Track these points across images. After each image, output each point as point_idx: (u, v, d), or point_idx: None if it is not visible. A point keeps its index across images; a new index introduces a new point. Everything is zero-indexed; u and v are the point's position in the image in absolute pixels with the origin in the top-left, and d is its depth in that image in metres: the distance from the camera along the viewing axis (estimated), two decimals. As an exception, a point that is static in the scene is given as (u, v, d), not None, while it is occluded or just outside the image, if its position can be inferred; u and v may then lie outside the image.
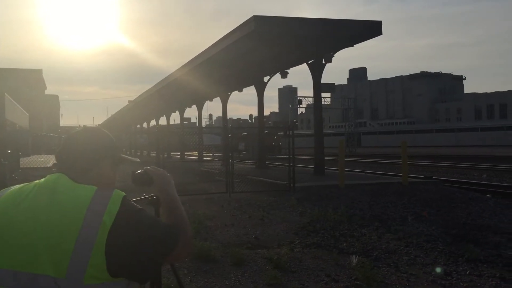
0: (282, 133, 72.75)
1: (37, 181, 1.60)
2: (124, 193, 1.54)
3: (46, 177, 1.60)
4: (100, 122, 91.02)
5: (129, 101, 43.31)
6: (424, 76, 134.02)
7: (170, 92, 30.27)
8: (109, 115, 74.85)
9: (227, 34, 17.35)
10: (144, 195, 2.12)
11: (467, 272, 5.97)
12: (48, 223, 1.44)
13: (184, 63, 23.69)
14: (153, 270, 1.52)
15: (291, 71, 21.65)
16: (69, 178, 1.56)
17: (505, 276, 5.82)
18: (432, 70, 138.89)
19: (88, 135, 1.70)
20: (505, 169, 24.90)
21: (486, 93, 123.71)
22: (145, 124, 58.46)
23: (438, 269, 5.09)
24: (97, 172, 1.65)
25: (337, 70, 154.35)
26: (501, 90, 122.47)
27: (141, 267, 1.47)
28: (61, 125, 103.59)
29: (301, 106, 72.38)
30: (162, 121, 47.49)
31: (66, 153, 1.65)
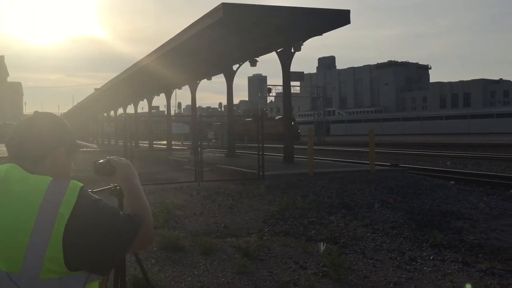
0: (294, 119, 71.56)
1: None
2: (81, 184, 1.48)
3: None
4: (65, 111, 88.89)
5: (95, 89, 42.38)
6: (391, 65, 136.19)
7: (138, 80, 29.78)
8: (75, 103, 73.15)
9: (195, 21, 17.13)
10: (111, 185, 2.06)
11: (431, 257, 6.13)
12: (0, 216, 1.37)
13: (152, 51, 23.32)
14: (113, 262, 1.48)
15: (261, 59, 21.63)
16: (22, 168, 1.48)
17: (467, 261, 5.99)
18: (399, 59, 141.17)
19: (39, 121, 1.59)
20: (468, 156, 25.64)
21: (451, 82, 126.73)
22: (112, 113, 57.44)
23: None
24: (51, 161, 1.56)
25: (306, 58, 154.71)
26: (465, 79, 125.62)
27: (101, 259, 1.42)
28: (24, 113, 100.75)
29: (270, 94, 72.42)
30: (130, 109, 46.77)
31: (17, 142, 1.55)
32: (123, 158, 1.84)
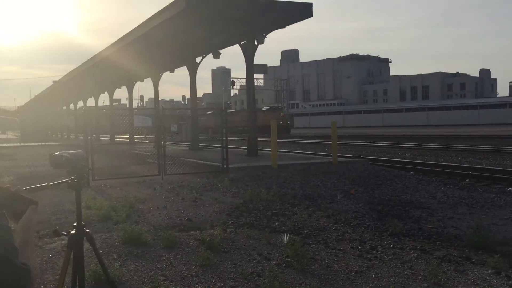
0: (284, 109, 68.45)
1: None
2: None
3: None
4: (22, 104, 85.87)
5: (53, 81, 41.16)
6: (353, 58, 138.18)
7: (99, 72, 29.10)
8: (32, 96, 70.86)
9: (158, 12, 16.87)
10: (67, 179, 2.01)
11: (391, 246, 6.29)
12: None
13: (113, 42, 22.82)
14: None
15: (224, 52, 21.57)
16: None
17: (425, 248, 6.18)
18: (361, 52, 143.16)
19: None
20: (427, 147, 26.40)
21: (410, 75, 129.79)
22: (72, 106, 55.97)
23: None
24: None
25: (269, 51, 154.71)
26: (424, 72, 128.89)
27: None
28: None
29: (234, 87, 72.17)
30: (91, 102, 45.71)
31: None
32: (79, 151, 1.79)
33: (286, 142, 35.23)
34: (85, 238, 2.32)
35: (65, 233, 2.39)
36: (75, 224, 2.32)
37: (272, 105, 78.01)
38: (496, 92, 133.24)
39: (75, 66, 32.75)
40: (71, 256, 2.12)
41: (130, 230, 6.49)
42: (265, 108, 64.83)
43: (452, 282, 4.89)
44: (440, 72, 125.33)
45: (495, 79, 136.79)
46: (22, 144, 37.03)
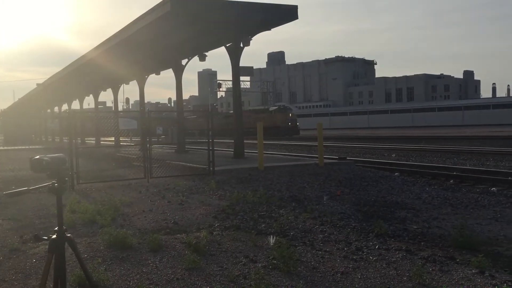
0: (292, 110, 65.88)
1: None
2: None
3: None
4: (5, 107, 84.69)
5: (37, 84, 40.68)
6: (339, 60, 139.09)
7: (84, 75, 28.85)
8: (16, 99, 69.91)
9: (143, 14, 16.76)
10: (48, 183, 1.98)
11: (377, 247, 6.32)
12: None
13: (98, 44, 22.63)
14: None
15: (210, 54, 21.56)
16: None
17: (411, 249, 6.22)
18: (346, 54, 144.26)
19: None
20: (412, 148, 26.63)
21: (395, 77, 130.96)
22: (56, 109, 55.39)
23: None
24: None
25: (256, 53, 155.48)
26: (408, 74, 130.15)
27: None
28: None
29: (221, 89, 72.06)
30: (75, 105, 45.33)
31: None
32: (59, 154, 1.77)
33: (272, 144, 35.27)
34: (66, 242, 2.30)
35: (46, 238, 2.36)
36: (56, 228, 2.29)
37: (280, 105, 76.25)
38: (480, 93, 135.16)
39: (59, 69, 32.42)
40: (53, 261, 2.10)
41: (115, 234, 6.43)
42: (272, 108, 62.77)
43: (436, 282, 4.93)
44: (424, 74, 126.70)
45: (479, 81, 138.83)
46: (6, 147, 36.55)
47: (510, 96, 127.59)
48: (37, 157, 1.78)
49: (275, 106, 70.62)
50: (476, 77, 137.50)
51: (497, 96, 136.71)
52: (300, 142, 39.28)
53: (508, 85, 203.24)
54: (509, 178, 13.18)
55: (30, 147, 34.63)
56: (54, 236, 2.31)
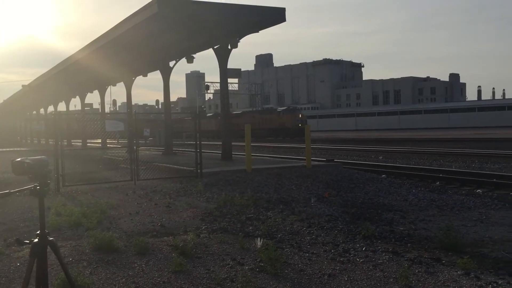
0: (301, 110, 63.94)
1: None
2: None
3: None
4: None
5: (23, 85, 40.20)
6: (327, 63, 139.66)
7: (70, 76, 28.57)
8: (1, 101, 69.05)
9: (130, 15, 16.65)
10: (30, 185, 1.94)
11: (363, 248, 6.34)
12: None
13: (85, 45, 22.45)
14: None
15: (198, 56, 21.49)
16: None
17: (397, 250, 6.25)
18: (334, 57, 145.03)
19: None
20: (399, 151, 26.82)
21: (382, 79, 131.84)
22: (42, 111, 54.83)
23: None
24: None
25: (244, 55, 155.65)
26: (395, 77, 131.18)
27: None
28: None
29: (208, 91, 71.90)
30: (62, 107, 44.91)
31: None
32: (42, 157, 1.74)
33: (260, 146, 35.28)
34: (49, 246, 2.26)
35: (28, 241, 2.32)
36: (38, 232, 2.25)
37: (289, 105, 74.90)
38: (465, 96, 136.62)
39: (45, 70, 32.09)
40: (35, 265, 2.06)
41: (101, 237, 6.36)
42: (280, 109, 61.16)
43: (422, 283, 4.95)
44: (411, 77, 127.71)
45: (464, 84, 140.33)
46: (-10, 149, 36.03)
47: (495, 99, 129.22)
48: (19, 159, 1.75)
49: (283, 107, 69.51)
50: (461, 80, 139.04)
51: (482, 98, 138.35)
52: (288, 144, 39.34)
53: (493, 88, 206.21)
54: (494, 180, 13.33)
55: (15, 149, 34.23)
56: (36, 240, 2.28)
